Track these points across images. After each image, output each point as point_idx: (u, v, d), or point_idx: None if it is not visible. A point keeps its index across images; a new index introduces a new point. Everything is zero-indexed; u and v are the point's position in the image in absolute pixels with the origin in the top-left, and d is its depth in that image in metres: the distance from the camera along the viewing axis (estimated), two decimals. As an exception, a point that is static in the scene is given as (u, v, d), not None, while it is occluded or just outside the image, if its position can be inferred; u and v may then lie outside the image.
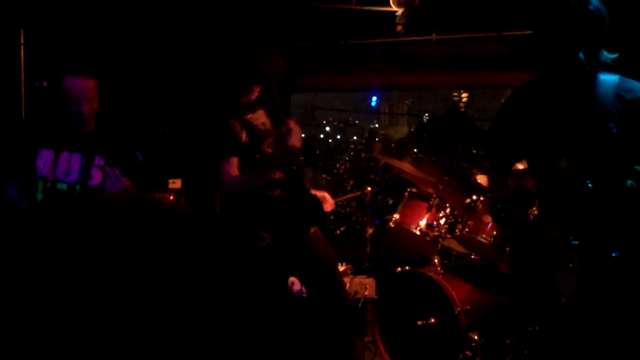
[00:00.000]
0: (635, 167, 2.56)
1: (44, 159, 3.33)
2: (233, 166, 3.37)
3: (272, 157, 3.33)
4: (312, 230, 3.58)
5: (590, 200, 2.61)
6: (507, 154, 2.97)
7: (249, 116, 3.48)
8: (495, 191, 3.23)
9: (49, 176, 3.31)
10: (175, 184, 4.93)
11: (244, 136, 3.21)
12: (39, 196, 3.30)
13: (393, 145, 9.73)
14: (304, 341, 4.76)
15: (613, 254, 2.65)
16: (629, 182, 2.54)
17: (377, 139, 9.99)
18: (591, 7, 2.56)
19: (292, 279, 4.87)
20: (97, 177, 3.28)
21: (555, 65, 2.69)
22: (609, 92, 2.65)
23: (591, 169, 2.63)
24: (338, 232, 3.78)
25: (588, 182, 2.61)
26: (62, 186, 3.31)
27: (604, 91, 2.66)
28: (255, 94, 3.55)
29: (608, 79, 2.68)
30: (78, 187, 3.29)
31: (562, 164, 2.69)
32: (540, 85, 2.82)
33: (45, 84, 3.35)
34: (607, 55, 2.65)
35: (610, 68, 2.69)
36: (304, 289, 4.90)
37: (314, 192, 3.75)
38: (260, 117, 3.57)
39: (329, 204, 3.75)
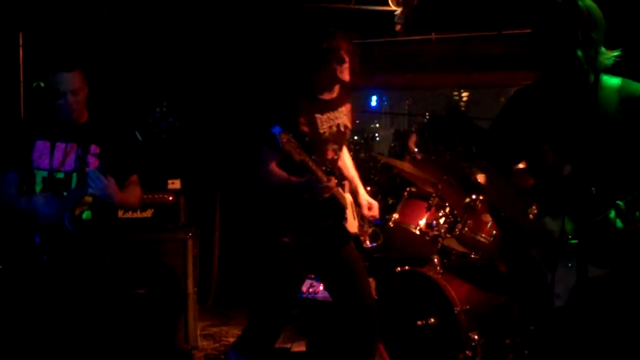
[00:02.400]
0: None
1: (40, 151, 3.34)
2: (274, 161, 3.41)
3: (296, 186, 3.34)
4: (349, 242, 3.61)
5: (593, 206, 2.61)
6: (508, 155, 2.96)
7: (322, 115, 3.46)
8: (493, 191, 3.23)
9: (45, 167, 3.32)
10: (175, 184, 4.93)
11: (288, 146, 3.16)
12: (38, 188, 3.31)
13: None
14: (304, 341, 4.78)
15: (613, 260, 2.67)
16: None
17: (412, 129, 9.98)
18: (581, 5, 2.56)
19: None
20: (93, 164, 3.29)
21: (553, 66, 2.68)
22: (612, 95, 2.64)
23: (595, 175, 2.63)
24: (370, 247, 3.83)
25: (592, 188, 2.61)
26: (59, 175, 3.32)
27: (607, 95, 2.65)
28: (334, 90, 3.52)
29: (611, 81, 2.68)
30: (75, 175, 3.28)
31: (566, 169, 2.69)
32: (542, 88, 2.81)
33: (42, 85, 3.35)
34: (607, 54, 2.64)
35: (612, 70, 2.69)
36: (303, 289, 4.93)
37: (367, 197, 3.78)
38: (339, 117, 3.56)
39: (374, 210, 3.78)
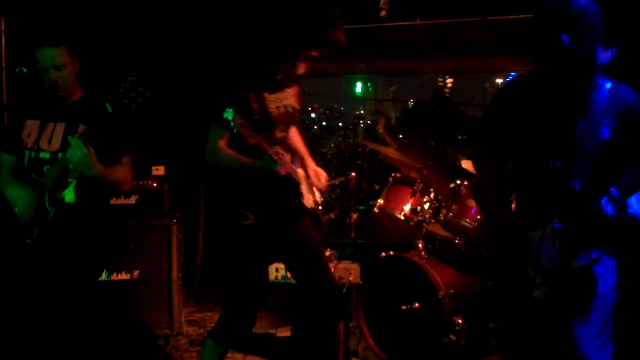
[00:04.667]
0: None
1: (29, 130, 3.32)
2: (223, 140, 3.36)
3: (253, 163, 3.31)
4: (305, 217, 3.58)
5: (574, 201, 2.63)
6: (500, 147, 2.97)
7: (272, 95, 3.43)
8: (481, 181, 3.24)
9: (33, 147, 3.30)
10: (159, 171, 4.91)
11: (243, 130, 3.15)
12: (25, 166, 3.30)
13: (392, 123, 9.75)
14: (290, 326, 4.80)
15: (593, 255, 2.70)
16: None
17: (380, 113, 9.96)
18: (575, 7, 2.55)
19: (277, 265, 4.90)
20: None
21: (550, 65, 2.69)
22: (603, 98, 2.66)
23: (579, 172, 2.65)
24: (326, 217, 3.77)
25: (575, 184, 2.63)
26: (44, 155, 3.29)
27: (598, 96, 2.67)
28: (297, 69, 3.43)
29: (603, 83, 2.69)
30: (60, 155, 3.23)
31: (551, 163, 2.71)
32: (534, 81, 2.82)
33: (25, 71, 3.31)
34: (603, 55, 2.65)
35: (606, 71, 2.70)
36: (288, 274, 4.93)
37: (314, 166, 3.74)
38: (287, 98, 3.52)
39: (322, 180, 3.73)
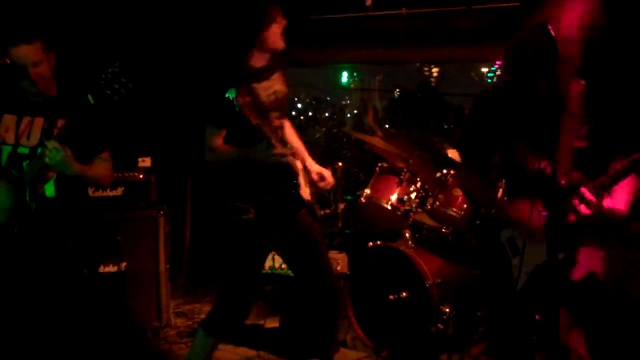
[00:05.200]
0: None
1: (6, 125, 3.29)
2: (219, 138, 3.35)
3: (252, 155, 3.29)
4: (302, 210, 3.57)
5: (560, 194, 2.66)
6: (484, 148, 3.01)
7: (259, 85, 3.41)
8: (467, 180, 3.29)
9: (11, 141, 3.27)
10: (145, 162, 4.88)
11: (246, 110, 3.14)
12: (3, 162, 3.27)
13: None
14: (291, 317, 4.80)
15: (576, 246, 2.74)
16: None
17: (368, 104, 9.97)
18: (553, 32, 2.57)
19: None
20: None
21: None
22: (580, 96, 2.71)
23: (562, 167, 2.68)
24: (322, 212, 3.77)
25: (560, 180, 2.66)
26: (23, 150, 3.26)
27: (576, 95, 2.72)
28: (263, 59, 3.45)
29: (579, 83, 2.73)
30: (40, 150, 3.20)
31: (535, 162, 2.75)
32: (516, 86, 2.87)
33: (8, 62, 3.28)
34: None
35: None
36: (276, 265, 4.94)
37: (317, 166, 3.74)
38: (274, 85, 3.50)
39: (328, 179, 3.72)
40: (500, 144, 2.91)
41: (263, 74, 3.44)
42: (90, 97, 3.01)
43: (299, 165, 3.55)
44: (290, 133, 3.76)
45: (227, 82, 3.29)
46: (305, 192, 3.57)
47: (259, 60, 3.43)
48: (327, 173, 3.72)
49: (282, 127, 3.58)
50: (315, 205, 3.64)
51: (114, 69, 3.00)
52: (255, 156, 3.28)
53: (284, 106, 3.60)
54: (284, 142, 3.34)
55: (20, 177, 3.18)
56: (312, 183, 3.66)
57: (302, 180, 3.54)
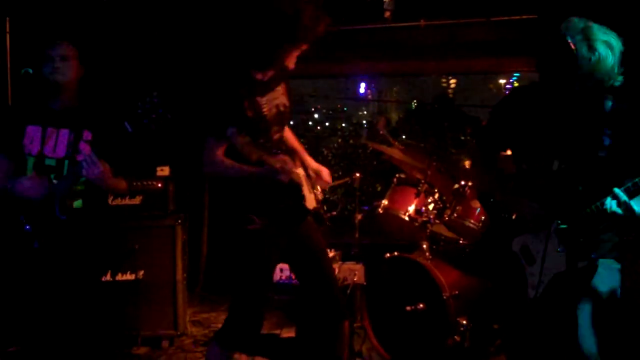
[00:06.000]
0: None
1: (31, 136, 3.30)
2: (220, 150, 3.35)
3: (254, 173, 3.30)
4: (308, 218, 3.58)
5: (578, 201, 2.66)
6: (497, 142, 3.03)
7: (263, 97, 3.40)
8: (477, 174, 3.30)
9: (36, 152, 3.29)
10: (164, 171, 4.92)
11: (244, 149, 3.16)
12: (29, 173, 3.28)
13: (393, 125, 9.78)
14: (294, 326, 4.80)
15: (592, 255, 2.72)
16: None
17: (381, 114, 9.98)
18: (570, 40, 2.58)
19: (281, 265, 4.90)
20: (85, 151, 3.25)
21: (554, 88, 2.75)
22: (605, 111, 2.73)
23: (583, 174, 2.69)
24: (328, 215, 3.76)
25: (579, 185, 2.65)
26: (50, 162, 3.28)
27: (602, 109, 2.74)
28: (271, 73, 3.44)
29: (606, 98, 2.74)
30: (67, 162, 3.25)
31: (554, 165, 2.76)
32: (540, 93, 2.87)
33: (31, 71, 3.32)
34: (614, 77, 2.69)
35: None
36: (292, 275, 4.93)
37: (315, 164, 3.74)
38: (277, 97, 3.49)
39: (325, 178, 3.72)
40: (522, 142, 2.91)
41: (268, 86, 3.46)
42: (127, 125, 3.04)
43: (301, 173, 3.56)
44: (289, 137, 3.76)
45: (231, 93, 3.31)
46: (310, 201, 3.58)
47: (266, 74, 3.44)
48: (325, 172, 3.73)
49: (282, 139, 3.59)
50: (321, 210, 3.65)
51: (152, 99, 3.02)
52: (263, 178, 3.30)
53: (285, 119, 3.60)
54: (285, 159, 3.34)
55: (50, 191, 3.20)
56: (314, 188, 3.67)
57: (305, 189, 3.55)
